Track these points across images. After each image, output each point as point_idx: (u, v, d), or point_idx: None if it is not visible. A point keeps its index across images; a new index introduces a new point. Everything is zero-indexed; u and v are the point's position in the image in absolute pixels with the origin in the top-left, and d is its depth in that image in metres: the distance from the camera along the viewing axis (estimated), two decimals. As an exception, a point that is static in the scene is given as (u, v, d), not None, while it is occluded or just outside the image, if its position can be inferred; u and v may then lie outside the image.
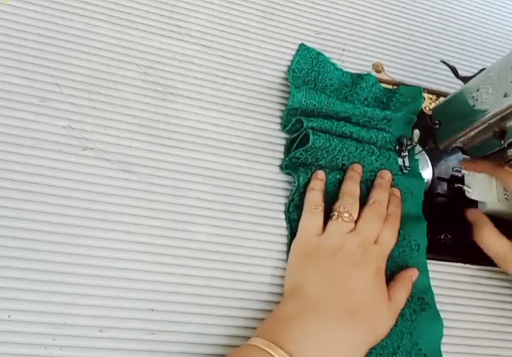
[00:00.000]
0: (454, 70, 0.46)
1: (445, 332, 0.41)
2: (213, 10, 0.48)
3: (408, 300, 0.41)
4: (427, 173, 0.49)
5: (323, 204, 0.41)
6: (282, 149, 0.45)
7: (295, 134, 0.44)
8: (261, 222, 0.42)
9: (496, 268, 0.46)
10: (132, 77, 0.43)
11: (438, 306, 0.42)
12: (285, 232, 0.42)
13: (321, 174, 0.43)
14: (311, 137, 0.42)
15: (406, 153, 0.45)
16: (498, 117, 0.39)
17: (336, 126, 0.44)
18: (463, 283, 0.46)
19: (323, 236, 0.39)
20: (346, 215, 0.40)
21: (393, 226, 0.42)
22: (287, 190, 0.44)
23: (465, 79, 0.44)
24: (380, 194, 0.43)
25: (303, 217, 0.41)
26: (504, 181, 0.44)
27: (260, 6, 0.51)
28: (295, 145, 0.44)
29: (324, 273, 0.37)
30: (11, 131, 0.38)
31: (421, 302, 0.42)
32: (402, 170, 0.46)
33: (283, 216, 0.43)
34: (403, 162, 0.46)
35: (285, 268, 0.41)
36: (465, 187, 0.47)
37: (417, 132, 0.45)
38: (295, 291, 0.37)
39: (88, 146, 0.40)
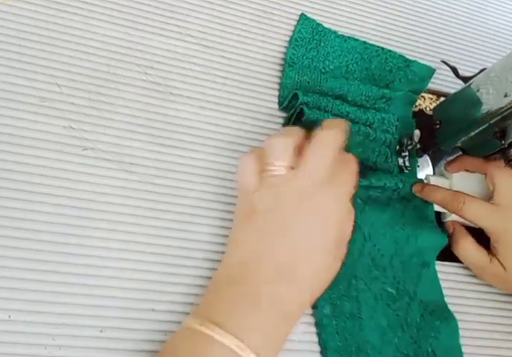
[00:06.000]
0: (454, 70, 0.46)
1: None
2: (213, 10, 0.48)
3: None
4: (427, 173, 0.49)
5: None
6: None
7: (291, 111, 0.44)
8: (261, 222, 0.42)
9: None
10: (133, 77, 0.43)
11: (439, 306, 0.42)
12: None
13: None
14: (306, 110, 0.42)
15: (407, 153, 0.45)
16: (499, 117, 0.39)
17: (333, 104, 0.44)
18: (463, 283, 0.46)
19: (255, 193, 0.34)
20: (277, 163, 0.34)
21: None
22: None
23: (465, 79, 0.44)
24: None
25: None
26: (497, 176, 0.43)
27: (260, 6, 0.50)
28: (289, 124, 0.44)
29: (255, 236, 0.33)
30: (11, 131, 0.38)
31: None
32: (402, 170, 0.46)
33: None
34: (403, 162, 0.46)
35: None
36: None
37: (417, 132, 0.45)
38: (225, 259, 0.35)
39: (89, 146, 0.40)
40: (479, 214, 0.42)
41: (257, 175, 0.35)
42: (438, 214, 0.46)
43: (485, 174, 0.44)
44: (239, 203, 0.36)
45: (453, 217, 0.45)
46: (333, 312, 0.38)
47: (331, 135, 0.35)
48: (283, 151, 0.34)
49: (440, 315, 0.41)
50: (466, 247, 0.44)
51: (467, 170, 0.46)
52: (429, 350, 0.39)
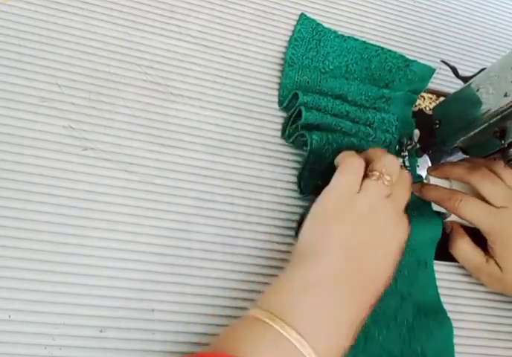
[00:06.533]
0: (454, 70, 0.46)
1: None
2: (213, 9, 0.48)
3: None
4: (427, 173, 0.49)
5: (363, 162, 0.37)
6: (282, 149, 0.45)
7: (291, 111, 0.44)
8: (261, 222, 0.42)
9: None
10: (133, 77, 0.43)
11: (438, 306, 0.42)
12: (286, 232, 0.42)
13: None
14: (303, 113, 0.42)
15: (406, 153, 0.45)
16: (499, 116, 0.39)
17: (333, 104, 0.44)
18: (463, 283, 0.46)
19: (359, 195, 0.35)
20: (388, 178, 0.36)
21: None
22: (288, 190, 0.44)
23: (465, 79, 0.44)
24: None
25: (337, 172, 0.37)
26: (479, 187, 0.42)
27: (260, 6, 0.50)
28: (289, 123, 0.44)
29: (349, 239, 0.33)
30: (11, 131, 0.38)
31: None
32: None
33: (283, 215, 0.43)
34: (403, 162, 0.46)
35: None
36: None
37: (417, 131, 0.45)
38: (309, 255, 0.33)
39: (89, 146, 0.40)
40: (476, 213, 0.42)
41: (361, 178, 0.36)
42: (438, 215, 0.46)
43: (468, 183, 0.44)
44: (335, 198, 0.35)
45: (453, 217, 0.45)
46: None
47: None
48: (393, 167, 0.36)
49: (435, 316, 0.41)
50: (463, 247, 0.44)
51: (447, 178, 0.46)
52: (419, 351, 0.39)
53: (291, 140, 0.44)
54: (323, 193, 0.36)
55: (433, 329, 0.40)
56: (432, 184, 0.45)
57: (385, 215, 0.35)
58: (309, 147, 0.41)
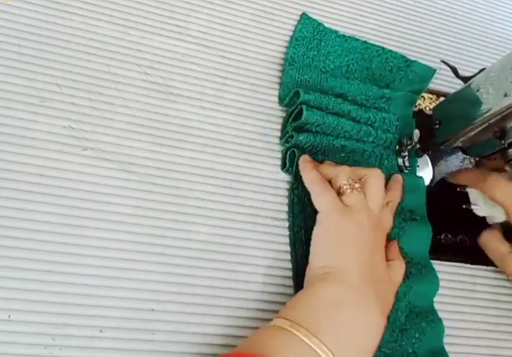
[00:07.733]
0: (454, 70, 0.46)
1: (445, 332, 0.41)
2: (213, 10, 0.48)
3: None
4: (427, 173, 0.49)
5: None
6: (282, 148, 0.45)
7: (292, 109, 0.45)
8: (261, 221, 0.42)
9: (496, 268, 0.46)
10: (133, 77, 0.43)
11: (438, 306, 0.42)
12: (287, 233, 0.42)
13: (305, 156, 0.42)
14: (304, 112, 0.42)
15: (406, 153, 0.45)
16: (499, 117, 0.39)
17: (334, 103, 0.44)
18: (463, 283, 0.46)
19: (349, 210, 0.38)
20: (357, 185, 0.39)
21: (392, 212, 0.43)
22: (288, 189, 0.44)
23: (465, 79, 0.44)
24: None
25: (315, 196, 0.39)
26: (491, 192, 0.43)
27: (260, 6, 0.50)
28: (289, 121, 0.45)
29: (363, 256, 0.37)
30: (11, 131, 0.38)
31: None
32: (402, 170, 0.46)
33: (283, 215, 0.43)
34: (403, 162, 0.46)
35: (286, 268, 0.41)
36: (472, 206, 0.47)
37: (416, 131, 0.45)
38: (334, 274, 0.35)
39: (89, 146, 0.40)
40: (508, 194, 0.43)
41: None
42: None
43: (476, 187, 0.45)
44: (332, 218, 0.38)
45: (499, 220, 0.45)
46: None
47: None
48: (349, 174, 0.40)
49: (427, 318, 0.41)
50: (490, 237, 0.45)
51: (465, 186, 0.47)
52: (410, 351, 0.39)
53: (283, 141, 0.44)
54: (318, 216, 0.39)
55: (425, 330, 0.40)
56: (466, 169, 0.47)
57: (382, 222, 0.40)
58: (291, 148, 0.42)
